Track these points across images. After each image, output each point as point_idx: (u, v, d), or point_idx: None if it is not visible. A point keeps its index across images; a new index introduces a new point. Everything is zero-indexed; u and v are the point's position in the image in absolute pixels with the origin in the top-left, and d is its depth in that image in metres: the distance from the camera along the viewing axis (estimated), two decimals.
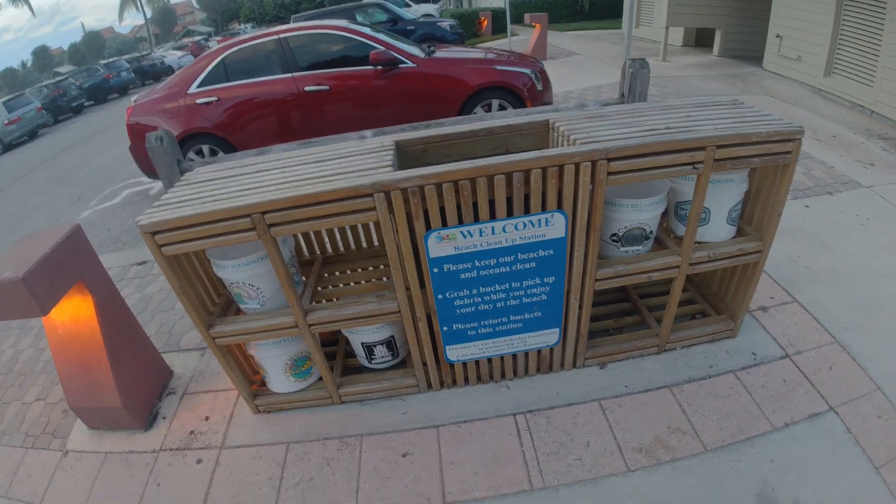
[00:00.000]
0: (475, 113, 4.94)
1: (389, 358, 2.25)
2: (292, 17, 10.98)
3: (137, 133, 5.22)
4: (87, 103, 19.70)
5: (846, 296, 2.60)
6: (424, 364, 2.16)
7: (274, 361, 2.10)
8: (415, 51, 5.10)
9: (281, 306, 2.00)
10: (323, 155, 1.94)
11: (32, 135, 16.63)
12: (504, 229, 1.76)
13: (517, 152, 1.73)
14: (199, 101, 5.03)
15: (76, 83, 19.60)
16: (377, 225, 1.77)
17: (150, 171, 5.49)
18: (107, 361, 2.24)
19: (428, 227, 1.73)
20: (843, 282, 2.70)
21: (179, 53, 25.08)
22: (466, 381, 2.26)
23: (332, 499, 1.93)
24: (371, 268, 2.51)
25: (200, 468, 2.15)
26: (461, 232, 1.74)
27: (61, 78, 20.80)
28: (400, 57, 4.85)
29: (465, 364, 2.19)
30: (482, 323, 2.02)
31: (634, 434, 2.01)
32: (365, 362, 2.28)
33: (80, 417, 2.47)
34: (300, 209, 1.63)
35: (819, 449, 1.90)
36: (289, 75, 4.99)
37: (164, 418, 2.44)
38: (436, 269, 1.85)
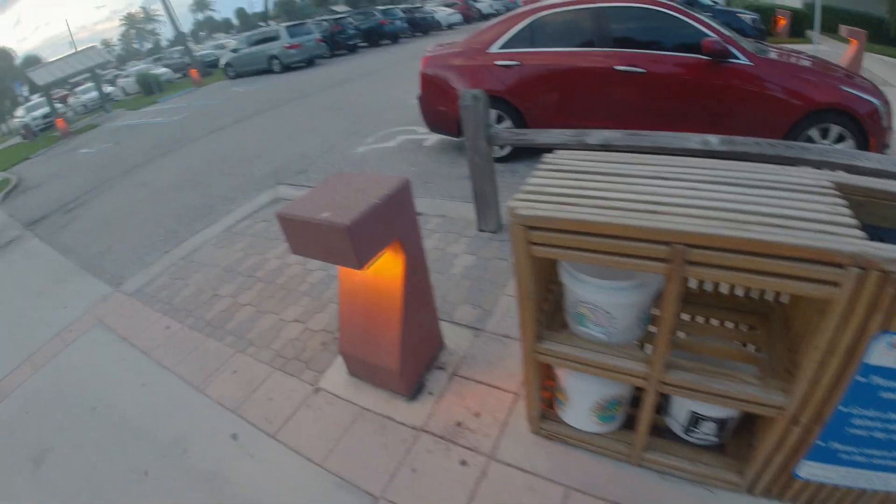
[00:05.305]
0: (809, 137, 3.94)
1: (714, 439, 1.78)
2: None
3: (429, 84, 5.34)
4: (361, 44, 21.89)
5: None
6: (767, 463, 1.64)
7: (584, 396, 1.78)
8: (748, 46, 4.17)
9: (626, 342, 1.65)
10: (742, 175, 1.47)
11: (310, 63, 18.90)
12: None
13: None
14: (498, 62, 4.86)
15: (353, 24, 21.74)
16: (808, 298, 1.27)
17: (435, 124, 5.51)
18: (398, 325, 2.13)
19: (885, 326, 1.19)
20: None
21: (448, 11, 25.95)
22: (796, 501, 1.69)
23: None
24: (731, 323, 1.98)
25: (464, 472, 1.93)
26: None
27: (340, 16, 23.25)
28: (734, 51, 4.00)
29: (807, 481, 1.62)
30: (874, 452, 1.43)
31: None
32: (678, 430, 1.83)
33: (347, 363, 2.42)
34: (741, 255, 1.21)
35: None
36: (601, 50, 4.48)
37: (430, 394, 2.29)
38: (863, 379, 1.30)
